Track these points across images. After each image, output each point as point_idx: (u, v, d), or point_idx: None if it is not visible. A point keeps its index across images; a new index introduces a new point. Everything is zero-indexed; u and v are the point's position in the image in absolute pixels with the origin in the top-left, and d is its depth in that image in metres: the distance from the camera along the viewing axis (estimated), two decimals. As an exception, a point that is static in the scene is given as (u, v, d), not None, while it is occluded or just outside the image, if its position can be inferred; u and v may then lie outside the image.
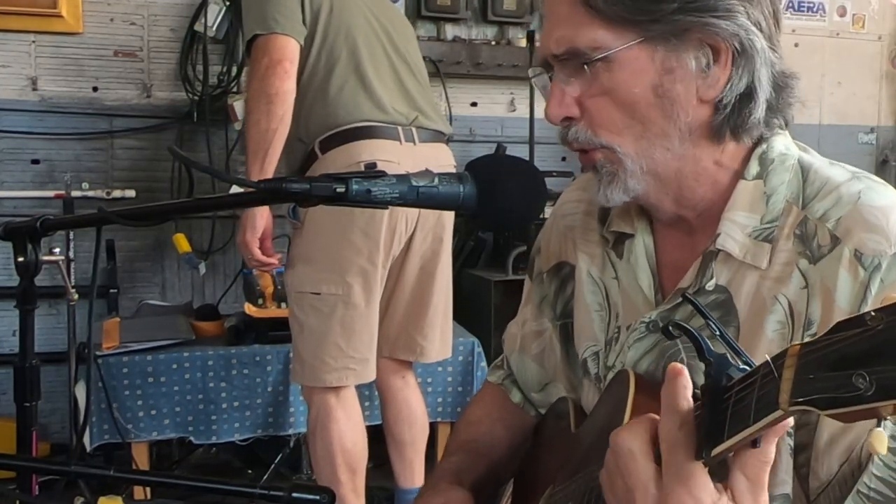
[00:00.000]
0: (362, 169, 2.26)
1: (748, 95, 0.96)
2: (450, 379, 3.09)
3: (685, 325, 0.76)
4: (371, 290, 2.44)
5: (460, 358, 3.08)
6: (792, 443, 0.93)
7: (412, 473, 2.75)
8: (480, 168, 1.01)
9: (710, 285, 0.98)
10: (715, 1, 0.92)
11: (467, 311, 3.68)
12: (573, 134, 0.99)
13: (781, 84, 0.99)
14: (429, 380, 3.07)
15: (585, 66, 0.95)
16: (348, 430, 2.47)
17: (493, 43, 3.89)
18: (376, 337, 2.51)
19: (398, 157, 2.38)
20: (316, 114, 2.40)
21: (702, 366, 0.96)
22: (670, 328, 0.78)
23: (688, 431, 0.72)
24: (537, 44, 3.72)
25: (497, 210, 1.02)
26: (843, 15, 4.52)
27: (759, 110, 0.97)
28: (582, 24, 0.94)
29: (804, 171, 0.99)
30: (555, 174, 3.79)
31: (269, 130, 2.27)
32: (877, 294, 0.89)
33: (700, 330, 0.76)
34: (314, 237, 2.40)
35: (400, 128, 2.45)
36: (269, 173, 2.30)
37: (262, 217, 2.38)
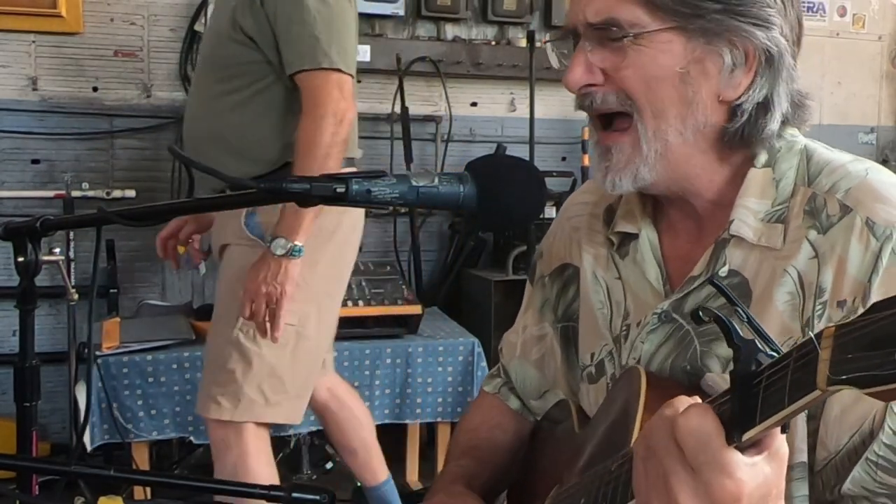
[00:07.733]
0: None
1: (765, 106, 0.98)
2: (450, 379, 3.10)
3: (715, 311, 0.75)
4: (325, 321, 2.35)
5: (460, 358, 3.08)
6: (806, 412, 0.93)
7: (373, 471, 2.72)
8: (480, 168, 1.01)
9: (723, 271, 0.99)
10: (757, 10, 0.95)
11: (467, 311, 3.68)
12: (601, 98, 0.99)
13: (798, 102, 1.02)
14: (429, 380, 3.07)
15: (618, 41, 0.96)
16: (269, 475, 2.29)
17: (493, 43, 3.89)
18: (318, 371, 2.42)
19: None
20: None
21: (716, 352, 0.98)
22: (700, 313, 0.78)
23: (716, 420, 0.71)
24: (538, 43, 3.74)
25: (497, 210, 1.02)
26: (843, 15, 4.52)
27: (774, 123, 0.99)
28: (624, 0, 0.96)
29: (809, 153, 1.02)
30: (555, 174, 3.80)
31: (334, 144, 2.15)
32: (888, 265, 0.89)
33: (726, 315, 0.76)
34: None
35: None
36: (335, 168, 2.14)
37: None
